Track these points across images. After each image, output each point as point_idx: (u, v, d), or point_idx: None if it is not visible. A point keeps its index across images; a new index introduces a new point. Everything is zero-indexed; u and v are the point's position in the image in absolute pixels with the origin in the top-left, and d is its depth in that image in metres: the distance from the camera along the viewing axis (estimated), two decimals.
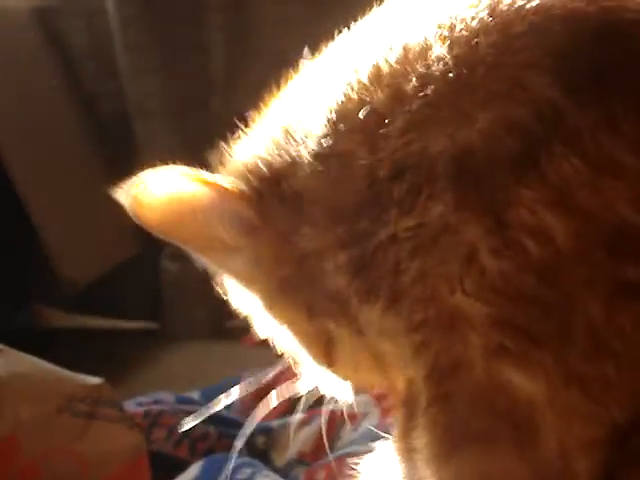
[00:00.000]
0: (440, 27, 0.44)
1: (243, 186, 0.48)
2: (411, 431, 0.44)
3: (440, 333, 0.42)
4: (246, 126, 0.52)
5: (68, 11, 1.66)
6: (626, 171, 0.40)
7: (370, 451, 0.54)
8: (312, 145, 0.46)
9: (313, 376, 0.54)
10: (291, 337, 0.51)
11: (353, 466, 0.54)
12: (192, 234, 0.49)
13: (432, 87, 0.42)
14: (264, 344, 0.55)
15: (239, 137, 0.52)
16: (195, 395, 1.11)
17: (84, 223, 1.55)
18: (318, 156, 0.45)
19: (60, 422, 0.87)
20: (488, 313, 0.40)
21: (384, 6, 0.49)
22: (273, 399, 0.63)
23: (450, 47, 0.43)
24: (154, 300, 1.68)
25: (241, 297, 0.53)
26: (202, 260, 0.52)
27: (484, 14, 0.43)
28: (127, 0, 1.59)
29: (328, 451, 0.90)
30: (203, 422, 0.96)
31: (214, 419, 0.97)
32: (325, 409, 0.61)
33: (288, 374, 0.58)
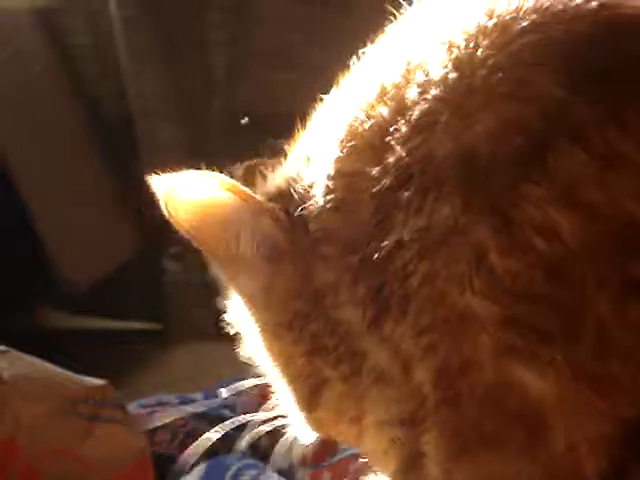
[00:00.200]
0: (439, 34, 0.44)
1: (277, 208, 0.48)
2: (420, 435, 0.44)
3: (449, 335, 0.42)
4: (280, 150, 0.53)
5: (70, 12, 1.66)
6: (633, 167, 0.40)
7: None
8: (326, 169, 0.46)
9: (285, 408, 0.54)
10: (279, 371, 0.51)
11: (358, 468, 0.54)
12: (217, 243, 0.50)
13: (433, 92, 0.42)
14: None
15: (272, 160, 0.53)
16: (198, 396, 1.11)
17: (86, 224, 1.55)
18: (329, 179, 0.46)
19: (63, 424, 0.87)
20: (498, 312, 0.40)
21: (389, 29, 0.50)
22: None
23: (449, 52, 0.43)
24: (157, 301, 1.68)
25: (241, 316, 0.54)
26: (217, 270, 0.52)
27: (482, 16, 0.43)
28: (129, 1, 1.59)
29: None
30: (207, 424, 0.96)
31: (217, 421, 0.96)
32: None
33: None
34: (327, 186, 0.46)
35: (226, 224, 0.48)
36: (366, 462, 0.53)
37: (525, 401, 0.40)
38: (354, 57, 0.51)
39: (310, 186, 0.47)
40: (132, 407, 1.02)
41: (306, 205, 0.47)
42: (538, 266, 0.40)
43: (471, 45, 0.42)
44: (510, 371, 0.40)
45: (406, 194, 0.42)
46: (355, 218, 0.44)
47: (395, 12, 0.50)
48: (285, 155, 0.53)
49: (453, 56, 0.42)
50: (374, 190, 0.43)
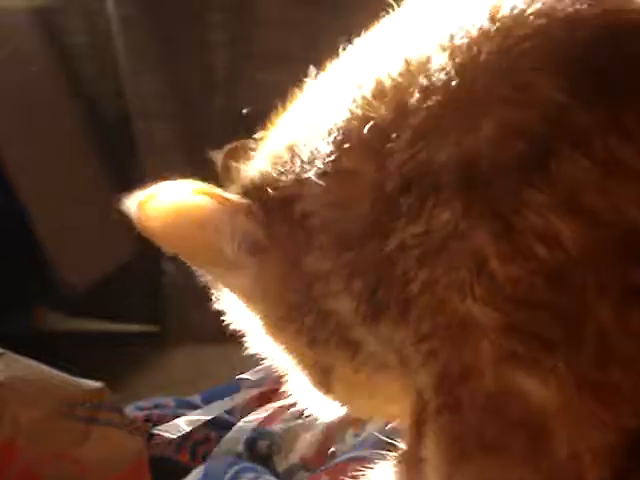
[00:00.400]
0: (440, 37, 0.43)
1: (253, 204, 0.48)
2: (420, 440, 0.44)
3: (450, 341, 0.41)
4: (253, 139, 0.52)
5: (67, 11, 1.66)
6: (635, 173, 0.39)
7: (374, 456, 0.54)
8: (318, 165, 0.45)
9: (304, 396, 0.54)
10: (288, 360, 0.51)
11: (356, 471, 0.54)
12: (195, 248, 0.49)
13: (435, 97, 0.42)
14: None
15: (248, 154, 0.52)
16: (196, 399, 1.11)
17: (84, 225, 1.55)
18: (324, 176, 0.45)
19: (60, 426, 0.86)
20: (499, 319, 0.40)
21: (385, 21, 0.49)
22: (275, 404, 0.62)
23: (451, 56, 0.42)
24: (155, 303, 1.68)
25: (238, 312, 0.53)
26: (202, 273, 0.52)
27: (484, 21, 0.43)
28: (127, 0, 1.59)
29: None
30: (204, 426, 0.96)
31: (215, 423, 0.96)
32: None
33: None
34: (322, 184, 0.45)
35: (202, 227, 0.48)
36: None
37: (527, 409, 0.40)
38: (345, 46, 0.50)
39: (298, 181, 0.46)
40: (129, 410, 1.02)
41: (293, 200, 0.46)
42: (539, 273, 0.39)
43: (474, 49, 0.42)
44: (511, 378, 0.40)
45: (405, 199, 0.42)
46: (353, 213, 0.44)
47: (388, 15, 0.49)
48: (258, 144, 0.52)
49: (456, 61, 0.42)
50: (373, 192, 0.43)
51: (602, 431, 0.39)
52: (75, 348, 1.44)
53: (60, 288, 1.52)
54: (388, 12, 0.49)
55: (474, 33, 0.42)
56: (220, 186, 0.50)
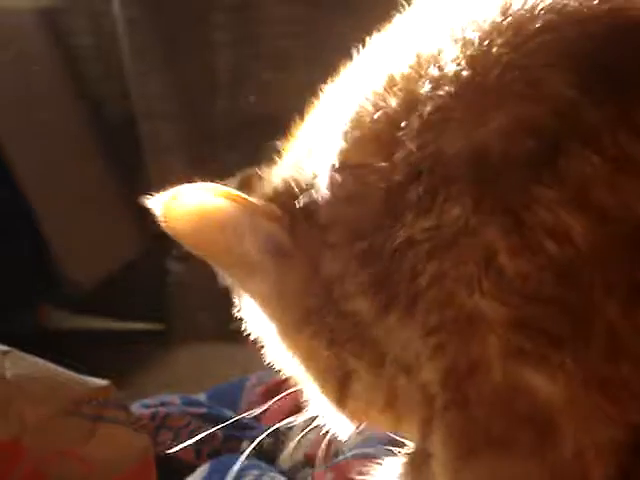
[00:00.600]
0: (452, 30, 0.44)
1: (276, 208, 0.48)
2: (427, 436, 0.44)
3: (457, 335, 0.41)
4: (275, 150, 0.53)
5: (73, 12, 1.66)
6: None
7: (380, 453, 0.54)
8: (331, 160, 0.46)
9: (317, 407, 0.53)
10: (303, 369, 0.51)
11: (362, 468, 0.54)
12: (219, 250, 0.49)
13: (446, 89, 0.42)
14: None
15: (270, 162, 0.52)
16: (201, 397, 1.11)
17: (90, 224, 1.55)
18: (336, 171, 0.45)
19: (66, 424, 0.86)
20: (507, 314, 0.40)
21: (396, 20, 0.49)
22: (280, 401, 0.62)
23: (463, 48, 0.42)
24: (160, 302, 1.68)
25: (256, 319, 0.53)
26: (225, 276, 0.52)
27: (496, 14, 0.43)
28: (132, 1, 1.59)
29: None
30: (210, 424, 0.96)
31: (220, 421, 0.96)
32: None
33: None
34: (333, 177, 0.45)
35: (225, 229, 0.48)
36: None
37: (534, 404, 0.40)
38: (357, 48, 0.50)
39: (314, 178, 0.47)
40: (135, 407, 1.02)
41: (310, 197, 0.47)
42: (548, 268, 0.39)
43: (485, 43, 0.42)
44: (519, 374, 0.40)
45: (416, 192, 0.42)
46: (363, 208, 0.44)
47: (398, 14, 0.50)
48: (280, 155, 0.53)
49: (467, 53, 0.42)
50: (383, 184, 0.43)
51: (608, 427, 0.40)
52: (80, 346, 1.44)
53: (65, 286, 1.53)
54: (395, 12, 0.50)
55: (486, 27, 0.42)
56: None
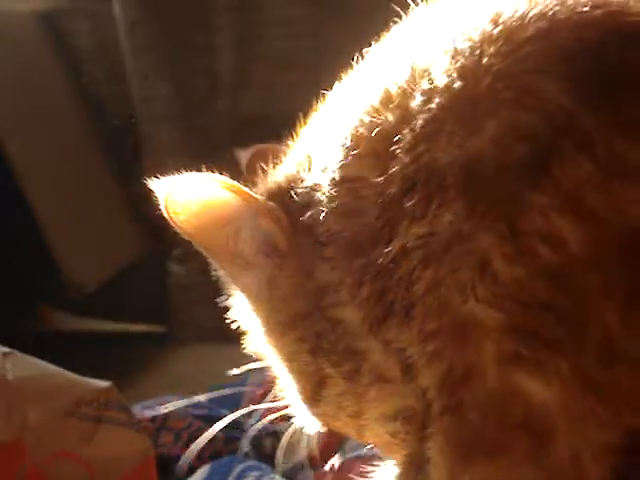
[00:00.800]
0: (443, 41, 0.44)
1: (278, 209, 0.49)
2: (424, 441, 0.44)
3: (453, 342, 0.41)
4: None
5: (74, 14, 1.66)
6: (637, 174, 0.40)
7: (379, 455, 0.54)
8: (330, 173, 0.46)
9: (290, 399, 0.54)
10: (284, 366, 0.52)
11: (362, 470, 0.54)
12: (217, 242, 0.50)
13: (437, 100, 0.42)
14: None
15: (278, 158, 0.53)
16: (202, 398, 1.11)
17: (91, 226, 1.55)
18: (334, 184, 0.46)
19: (67, 426, 0.86)
20: (502, 320, 0.40)
21: (394, 31, 0.50)
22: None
23: (453, 59, 0.43)
24: (160, 303, 1.68)
25: (245, 313, 0.54)
26: (218, 269, 0.52)
27: (487, 24, 0.43)
28: (133, 3, 1.59)
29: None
30: (210, 425, 0.96)
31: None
32: None
33: None
34: (331, 191, 0.46)
35: (225, 223, 0.49)
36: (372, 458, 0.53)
37: (529, 409, 0.40)
38: (358, 58, 0.51)
39: (313, 189, 0.47)
40: (136, 409, 1.02)
41: (308, 208, 0.47)
42: (543, 274, 0.40)
43: (476, 53, 0.42)
44: (514, 379, 0.40)
45: (410, 201, 0.42)
46: (360, 223, 0.45)
47: (399, 15, 0.50)
48: (286, 152, 0.53)
49: (458, 65, 0.42)
50: (379, 197, 0.44)
51: (603, 429, 0.40)
52: (81, 348, 1.44)
53: (67, 288, 1.53)
54: (394, 15, 0.50)
55: (476, 37, 0.43)
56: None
